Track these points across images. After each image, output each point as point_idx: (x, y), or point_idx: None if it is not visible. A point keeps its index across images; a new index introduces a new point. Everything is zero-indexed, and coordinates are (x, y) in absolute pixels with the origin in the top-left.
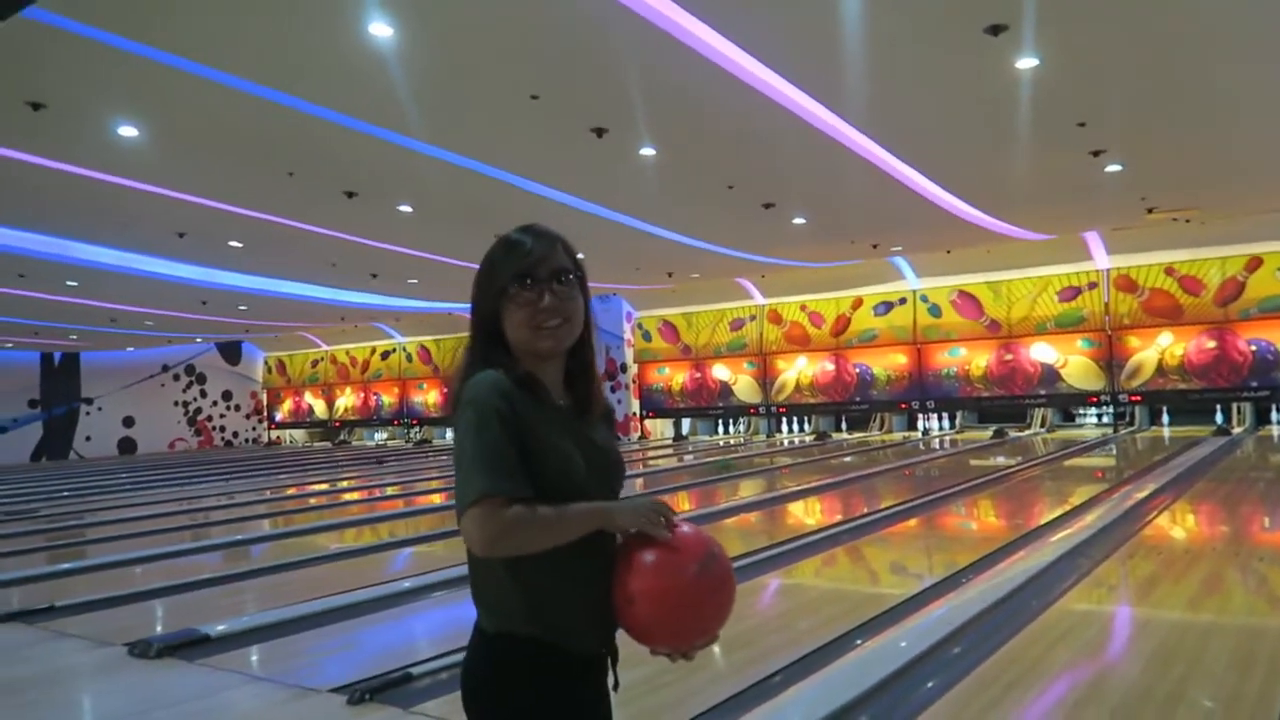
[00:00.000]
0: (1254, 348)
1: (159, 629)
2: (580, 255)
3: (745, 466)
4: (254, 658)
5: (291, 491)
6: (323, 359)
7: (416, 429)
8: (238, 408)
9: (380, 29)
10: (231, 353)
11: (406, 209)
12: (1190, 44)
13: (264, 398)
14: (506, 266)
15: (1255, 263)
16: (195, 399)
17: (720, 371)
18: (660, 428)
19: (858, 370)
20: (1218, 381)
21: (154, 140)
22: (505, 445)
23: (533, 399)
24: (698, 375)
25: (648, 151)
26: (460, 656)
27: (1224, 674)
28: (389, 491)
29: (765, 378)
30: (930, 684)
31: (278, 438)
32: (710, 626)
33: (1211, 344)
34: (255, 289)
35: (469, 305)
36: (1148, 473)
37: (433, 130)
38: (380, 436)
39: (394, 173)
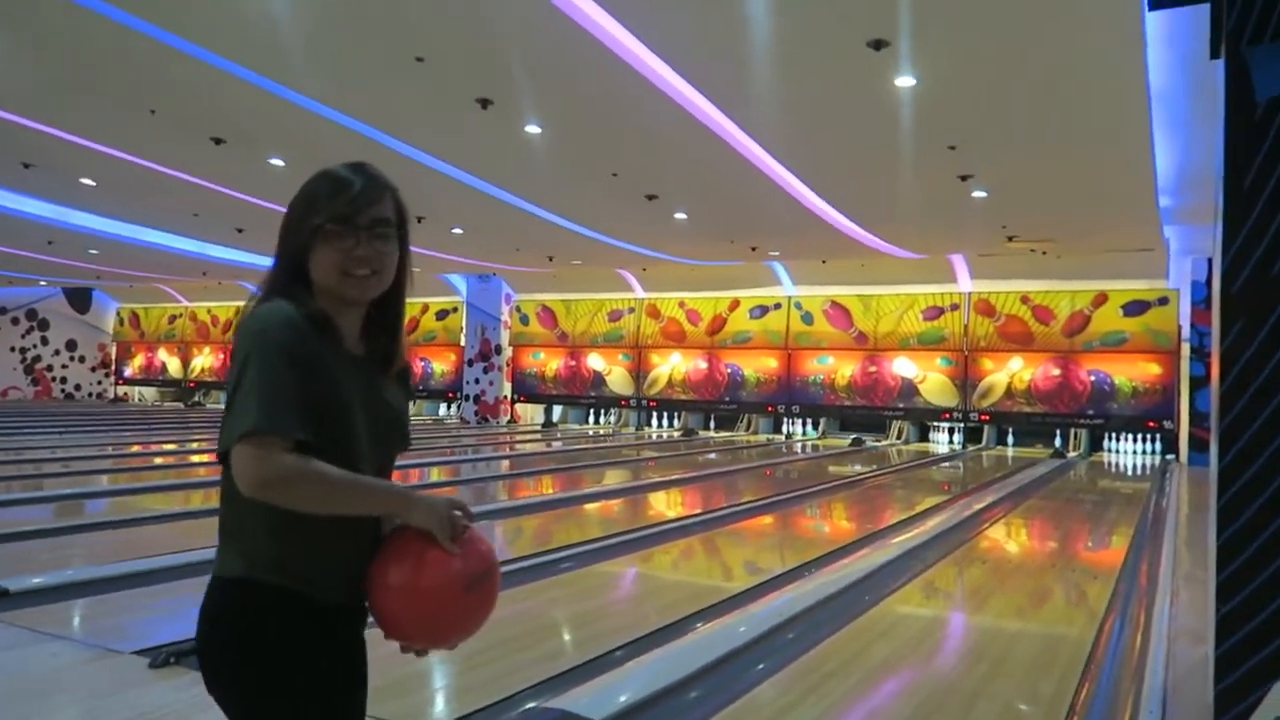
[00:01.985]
0: (1093, 378)
1: None
2: (419, 218)
3: (613, 456)
4: (59, 616)
5: (135, 449)
6: (181, 315)
7: None
8: (83, 359)
9: None
10: (80, 300)
11: (278, 162)
12: (1057, 81)
13: (113, 351)
14: (328, 204)
15: (1101, 298)
16: (35, 346)
17: (595, 361)
18: (530, 413)
19: (729, 370)
20: (1059, 407)
21: None
22: (289, 381)
23: (322, 340)
24: (572, 363)
25: (533, 129)
26: None
27: (1024, 675)
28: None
29: (639, 371)
30: (760, 666)
31: (125, 394)
32: (456, 639)
33: (1056, 371)
34: (109, 233)
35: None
36: (988, 487)
37: (311, 82)
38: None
39: (267, 122)
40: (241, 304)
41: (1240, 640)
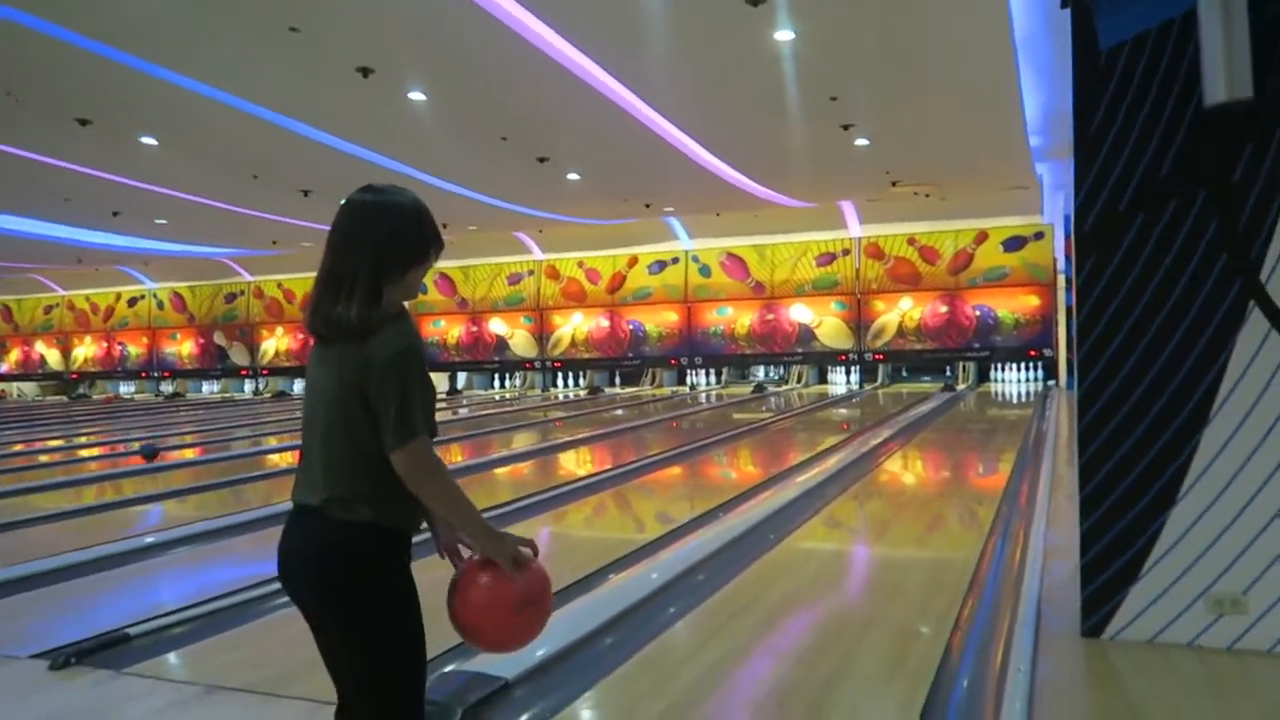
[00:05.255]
0: (978, 313)
1: None
2: (305, 192)
3: (520, 420)
4: None
5: (18, 448)
6: (58, 305)
7: (169, 382)
8: None
9: None
10: None
11: (150, 141)
12: (928, 30)
13: None
14: (434, 229)
15: (982, 236)
16: None
17: (497, 325)
18: (434, 382)
19: (631, 327)
20: (948, 342)
21: None
22: (431, 391)
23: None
24: (474, 329)
25: (417, 96)
26: (195, 612)
27: (917, 598)
28: (135, 447)
29: (542, 333)
30: (672, 610)
31: (2, 391)
32: (511, 646)
33: (944, 309)
34: None
35: (385, 247)
36: (884, 423)
37: (176, 56)
38: (126, 389)
39: (134, 100)
40: (123, 289)
41: (1101, 550)
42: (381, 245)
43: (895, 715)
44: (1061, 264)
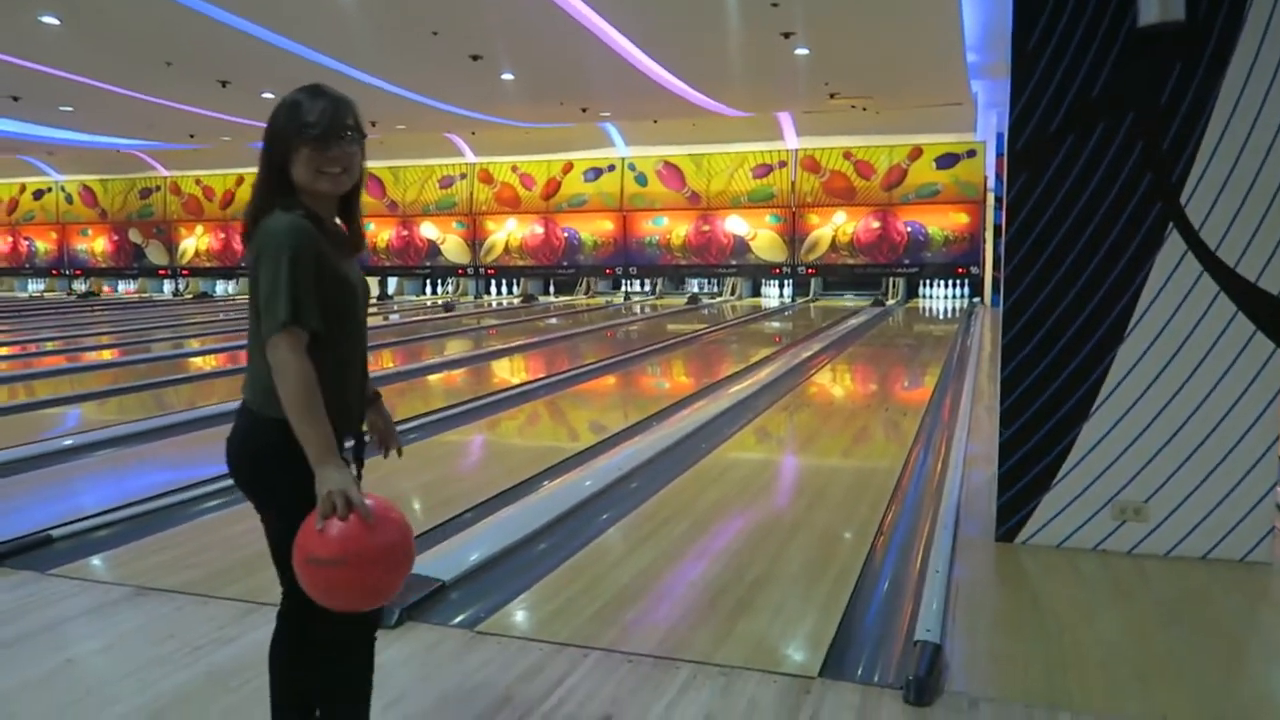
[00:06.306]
0: (909, 229)
1: None
2: (224, 83)
3: (453, 327)
4: None
5: None
6: None
7: (81, 280)
8: None
9: None
10: None
11: (52, 20)
12: None
13: None
14: (309, 113)
15: (916, 152)
16: None
17: (428, 230)
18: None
19: (566, 235)
20: (879, 258)
21: None
22: (310, 283)
23: (323, 235)
24: (404, 233)
25: None
26: (122, 514)
27: (841, 504)
28: (48, 347)
29: (474, 238)
30: (605, 516)
31: None
32: (316, 597)
33: (876, 224)
34: None
35: (266, 143)
36: (815, 336)
37: None
38: (36, 288)
39: None
40: (28, 180)
41: (1018, 461)
42: (265, 141)
43: (819, 613)
44: (992, 182)
